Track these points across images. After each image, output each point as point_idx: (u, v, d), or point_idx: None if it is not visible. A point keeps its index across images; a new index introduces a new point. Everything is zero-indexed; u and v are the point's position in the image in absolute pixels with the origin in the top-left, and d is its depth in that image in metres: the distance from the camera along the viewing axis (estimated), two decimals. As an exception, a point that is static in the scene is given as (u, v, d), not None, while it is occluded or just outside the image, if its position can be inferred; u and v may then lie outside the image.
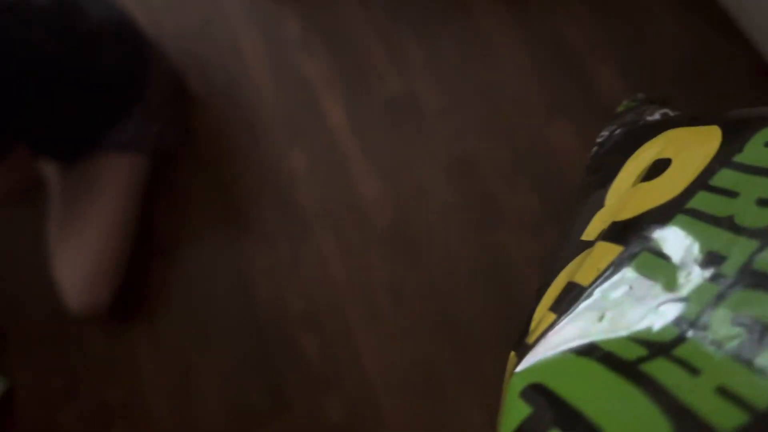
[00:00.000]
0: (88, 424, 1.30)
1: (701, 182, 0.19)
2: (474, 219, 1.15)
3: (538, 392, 0.17)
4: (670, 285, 0.17)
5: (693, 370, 0.15)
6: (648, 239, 0.19)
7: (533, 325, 0.21)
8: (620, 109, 0.30)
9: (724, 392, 0.14)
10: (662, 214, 0.19)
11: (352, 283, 1.19)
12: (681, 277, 0.17)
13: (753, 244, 0.16)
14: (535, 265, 1.10)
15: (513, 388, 0.19)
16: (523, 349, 0.20)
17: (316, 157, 1.29)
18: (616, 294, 0.18)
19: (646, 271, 0.18)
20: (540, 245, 1.11)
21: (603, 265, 0.19)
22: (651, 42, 1.16)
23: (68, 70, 1.15)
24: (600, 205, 0.23)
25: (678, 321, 0.16)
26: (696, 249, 0.17)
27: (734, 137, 0.19)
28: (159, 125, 1.34)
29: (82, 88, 1.18)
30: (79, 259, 1.26)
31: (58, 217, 1.29)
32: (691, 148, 0.21)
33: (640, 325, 0.17)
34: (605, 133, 0.28)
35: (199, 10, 1.52)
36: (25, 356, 1.41)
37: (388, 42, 1.32)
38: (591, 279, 0.19)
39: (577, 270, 0.21)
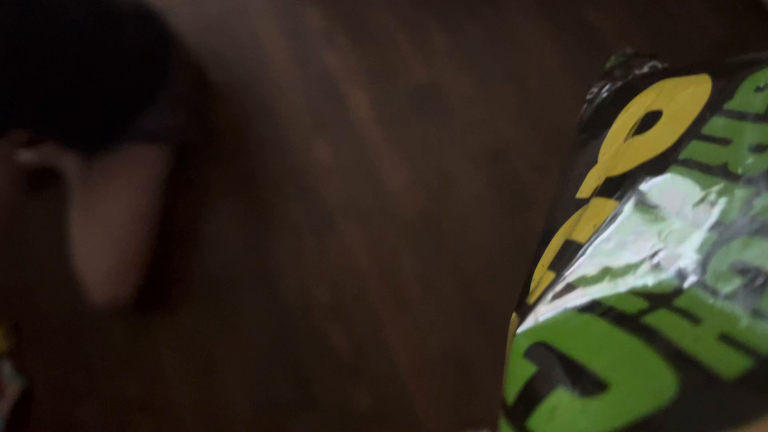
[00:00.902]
0: (108, 420, 1.30)
1: (693, 132, 0.19)
2: (503, 206, 1.14)
3: (542, 350, 0.17)
4: (667, 236, 0.17)
5: (695, 320, 0.15)
6: (642, 192, 0.19)
7: (533, 285, 0.21)
8: (608, 64, 0.29)
9: (726, 339, 0.14)
10: (655, 167, 0.19)
11: (380, 272, 1.18)
12: (677, 228, 0.17)
13: (748, 190, 0.16)
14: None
15: (517, 349, 0.19)
16: (524, 310, 0.20)
17: (341, 148, 1.28)
18: (614, 248, 0.18)
19: (642, 224, 0.18)
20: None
21: (599, 221, 0.19)
22: (681, 26, 1.14)
23: (93, 45, 1.13)
24: (593, 161, 0.23)
25: (677, 272, 0.16)
26: (691, 199, 0.17)
27: (724, 84, 0.19)
28: (182, 116, 1.33)
29: (106, 68, 1.16)
30: (102, 251, 1.24)
31: (80, 210, 1.27)
32: (681, 98, 0.21)
33: (640, 278, 0.17)
34: (594, 90, 0.28)
35: (220, 2, 1.51)
36: (42, 353, 1.40)
37: (412, 31, 1.31)
38: (588, 235, 0.19)
39: (574, 227, 0.21)
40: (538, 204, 1.13)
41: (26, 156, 1.42)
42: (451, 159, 1.20)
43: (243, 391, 1.21)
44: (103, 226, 1.24)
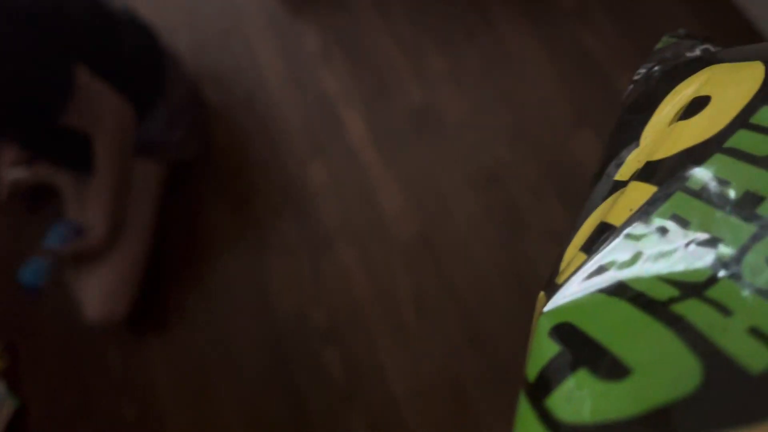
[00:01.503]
0: None
1: (741, 120, 0.19)
2: (499, 230, 1.13)
3: (566, 331, 0.17)
4: (705, 225, 0.17)
5: (725, 311, 0.14)
6: (683, 179, 0.18)
7: (563, 265, 0.21)
8: (659, 45, 0.29)
9: (756, 333, 0.13)
10: (699, 154, 0.19)
11: (375, 295, 1.18)
12: (716, 217, 0.17)
13: (793, 184, 0.16)
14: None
15: (542, 328, 0.19)
16: (552, 289, 0.20)
17: (337, 170, 1.27)
18: (648, 234, 0.18)
19: (680, 212, 0.18)
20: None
21: (636, 206, 0.19)
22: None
23: (94, 42, 1.14)
24: (635, 144, 0.23)
25: (711, 261, 0.16)
26: (733, 189, 0.17)
27: (778, 73, 0.19)
28: (180, 132, 1.33)
29: (105, 70, 1.15)
30: (97, 269, 1.24)
31: (80, 216, 1.27)
32: (731, 85, 0.20)
33: (672, 266, 0.17)
34: (642, 71, 0.27)
35: (218, 24, 1.51)
36: (37, 373, 1.39)
37: (409, 54, 1.29)
38: (623, 219, 0.19)
39: (610, 210, 0.20)
40: (533, 227, 1.12)
41: (21, 174, 1.40)
42: (447, 182, 1.19)
43: (237, 412, 1.21)
44: None
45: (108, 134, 1.13)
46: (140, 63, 1.25)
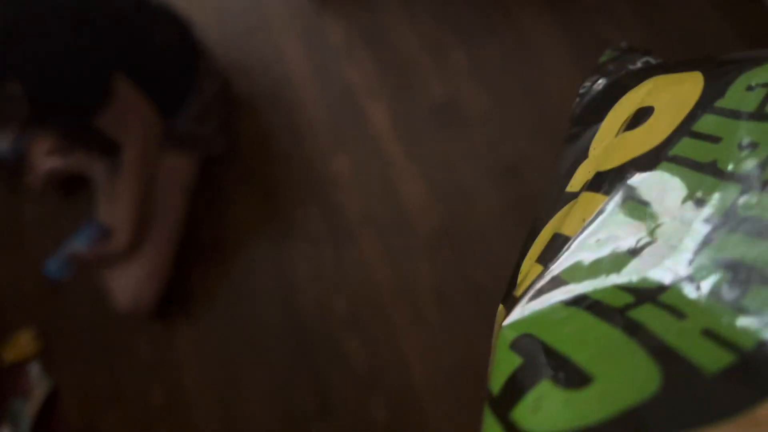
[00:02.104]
0: (130, 424, 1.32)
1: (684, 129, 0.19)
2: (520, 222, 1.14)
3: (527, 343, 0.17)
4: (655, 232, 0.17)
5: (679, 315, 0.15)
6: (632, 188, 0.19)
7: (520, 277, 0.21)
8: (603, 59, 0.29)
9: (710, 334, 0.14)
10: (646, 162, 0.19)
11: (397, 285, 1.19)
12: (665, 224, 0.17)
13: (736, 188, 0.16)
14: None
15: (503, 340, 0.19)
16: (511, 302, 0.20)
17: (360, 162, 1.29)
18: (601, 243, 0.18)
19: (630, 220, 0.18)
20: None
21: (588, 215, 0.20)
22: (699, 44, 1.13)
23: (133, 34, 1.16)
24: (584, 156, 0.23)
25: (663, 267, 0.16)
26: (680, 195, 0.17)
27: (716, 82, 0.19)
28: (211, 126, 1.35)
29: (142, 61, 1.17)
30: (127, 261, 1.26)
31: (107, 216, 1.28)
32: (673, 94, 0.21)
33: (626, 273, 0.17)
34: (587, 84, 0.28)
35: (244, 19, 1.52)
36: (70, 358, 1.42)
37: (431, 47, 1.31)
38: (576, 229, 0.20)
39: (563, 221, 0.21)
40: None
41: (56, 163, 1.44)
42: (469, 175, 1.20)
43: (262, 400, 1.23)
44: None
45: (136, 144, 1.15)
46: (175, 56, 1.26)
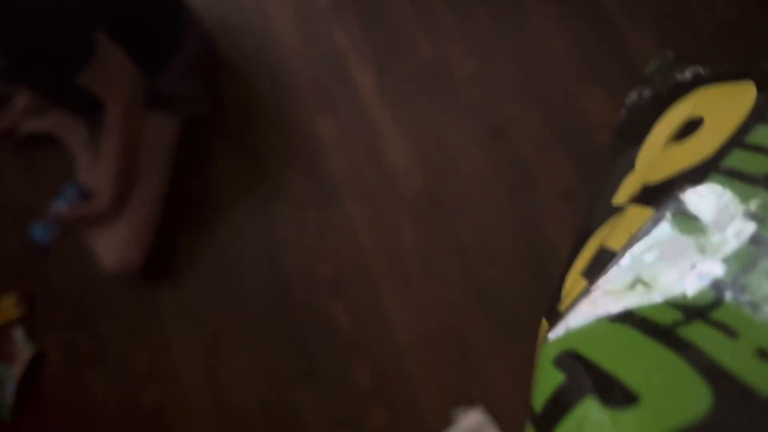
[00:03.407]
0: (116, 387, 1.33)
1: (736, 140, 0.19)
2: (505, 186, 1.15)
3: (572, 359, 0.17)
4: (705, 247, 0.17)
5: (731, 333, 0.14)
6: (681, 201, 0.18)
7: (564, 292, 0.21)
8: (649, 69, 0.29)
9: (764, 354, 0.13)
10: (695, 175, 0.19)
11: (382, 249, 1.20)
12: (716, 239, 0.16)
13: (792, 202, 0.16)
14: (567, 231, 1.09)
15: (546, 356, 0.18)
16: (555, 317, 0.20)
17: (345, 124, 1.29)
18: (649, 258, 0.18)
19: (679, 234, 0.18)
20: (573, 212, 1.10)
21: (635, 229, 0.19)
22: (690, 9, 1.12)
23: None
24: (630, 168, 0.23)
25: (714, 284, 0.16)
26: (731, 209, 0.17)
27: (770, 93, 0.19)
28: (195, 86, 1.35)
29: (127, 13, 1.17)
30: (112, 222, 1.27)
31: (89, 177, 1.30)
32: (724, 105, 0.20)
33: (676, 289, 0.16)
34: (634, 95, 0.27)
35: None
36: (53, 321, 1.43)
37: (419, 8, 1.31)
38: (622, 243, 0.19)
39: (609, 234, 0.20)
40: (540, 183, 1.13)
41: (33, 123, 1.45)
42: (454, 137, 1.21)
43: (246, 362, 1.24)
44: None
45: (120, 102, 1.15)
46: (159, 13, 1.26)
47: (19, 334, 1.43)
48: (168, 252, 1.37)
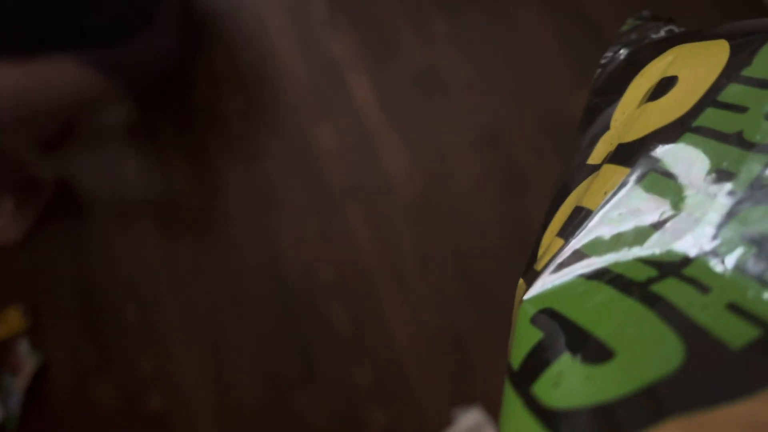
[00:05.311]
0: (121, 394, 1.35)
1: (709, 99, 0.19)
2: (500, 189, 1.16)
3: (548, 317, 0.17)
4: (679, 204, 0.17)
5: (703, 288, 0.14)
6: (655, 159, 0.19)
7: (541, 251, 0.21)
8: (624, 28, 0.29)
9: (734, 308, 0.14)
10: (669, 134, 0.19)
11: (380, 252, 1.21)
12: (689, 196, 0.17)
13: (763, 159, 0.16)
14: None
15: (523, 315, 0.19)
16: (531, 276, 0.20)
17: (343, 132, 1.31)
18: (624, 216, 0.18)
19: (653, 192, 0.18)
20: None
21: (610, 188, 0.19)
22: (678, 12, 1.13)
23: None
24: (605, 127, 0.23)
25: (687, 240, 0.16)
26: (704, 167, 0.17)
27: (742, 50, 0.19)
28: (173, 40, 1.33)
29: None
30: None
31: None
32: (697, 63, 0.20)
33: (649, 246, 0.17)
34: (609, 54, 0.27)
35: None
36: (58, 331, 1.45)
37: (413, 17, 1.32)
38: (598, 202, 0.19)
39: (584, 194, 0.21)
40: (534, 186, 1.15)
41: None
42: (449, 142, 1.22)
43: (248, 367, 1.26)
44: None
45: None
46: None
47: (24, 346, 1.45)
48: (170, 260, 1.38)
